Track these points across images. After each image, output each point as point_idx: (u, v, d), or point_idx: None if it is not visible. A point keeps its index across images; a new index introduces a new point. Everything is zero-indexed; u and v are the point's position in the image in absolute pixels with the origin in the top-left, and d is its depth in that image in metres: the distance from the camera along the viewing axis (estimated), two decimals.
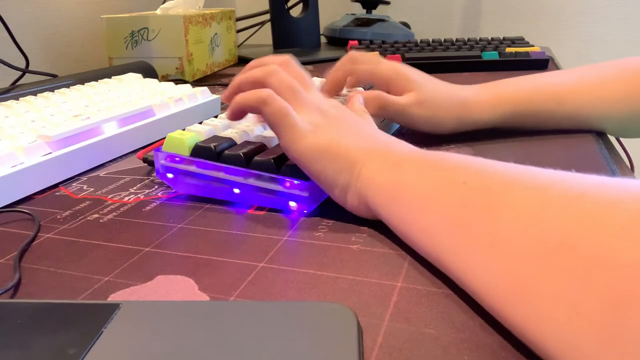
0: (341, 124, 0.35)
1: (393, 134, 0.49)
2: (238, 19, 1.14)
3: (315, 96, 0.37)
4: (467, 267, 0.24)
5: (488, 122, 0.49)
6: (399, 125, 0.51)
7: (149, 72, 0.72)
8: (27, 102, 0.51)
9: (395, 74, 0.47)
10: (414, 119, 0.47)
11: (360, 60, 0.48)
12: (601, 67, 0.49)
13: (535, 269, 0.20)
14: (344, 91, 0.51)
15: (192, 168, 0.37)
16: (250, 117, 0.43)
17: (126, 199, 0.39)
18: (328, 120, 0.35)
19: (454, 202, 0.26)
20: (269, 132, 0.40)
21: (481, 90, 0.49)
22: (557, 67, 0.85)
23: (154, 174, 0.44)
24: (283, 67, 0.38)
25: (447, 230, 0.26)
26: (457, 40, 0.91)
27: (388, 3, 1.19)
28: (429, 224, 0.27)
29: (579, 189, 0.21)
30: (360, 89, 0.51)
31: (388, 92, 0.47)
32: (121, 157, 0.49)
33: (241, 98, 0.35)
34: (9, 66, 0.64)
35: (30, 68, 0.69)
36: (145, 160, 0.43)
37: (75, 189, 0.42)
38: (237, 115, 0.36)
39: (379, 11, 1.22)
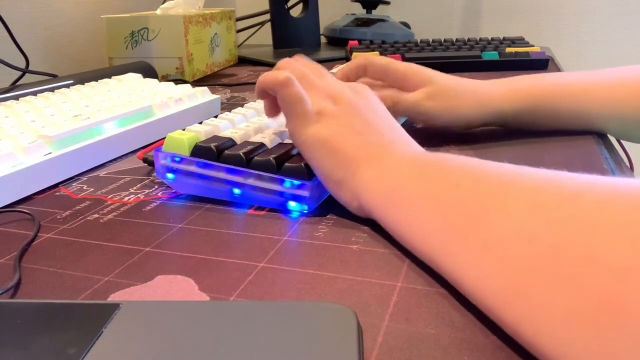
0: (349, 115, 0.35)
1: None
2: (238, 19, 1.14)
3: (328, 82, 0.38)
4: (461, 268, 0.24)
5: (502, 115, 0.49)
6: (405, 118, 0.51)
7: (149, 72, 0.72)
8: (27, 102, 0.51)
9: (410, 71, 0.48)
10: (428, 113, 0.47)
11: (374, 58, 0.49)
12: (617, 71, 0.49)
13: (528, 270, 0.20)
14: None
15: (192, 168, 0.37)
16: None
17: (126, 199, 0.39)
18: (339, 108, 0.35)
19: (446, 204, 0.26)
20: (268, 132, 0.40)
21: (497, 83, 0.50)
22: (557, 67, 0.85)
23: (154, 174, 0.44)
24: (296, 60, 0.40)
25: (440, 232, 0.26)
26: (457, 40, 0.91)
27: (388, 3, 1.19)
28: (422, 225, 0.27)
29: (570, 191, 0.21)
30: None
31: (402, 90, 0.48)
32: (121, 157, 0.49)
33: (263, 78, 0.36)
34: (9, 66, 0.64)
35: (30, 68, 0.69)
36: (145, 160, 0.43)
37: (75, 189, 0.42)
38: (261, 95, 0.37)
39: (379, 11, 1.22)
